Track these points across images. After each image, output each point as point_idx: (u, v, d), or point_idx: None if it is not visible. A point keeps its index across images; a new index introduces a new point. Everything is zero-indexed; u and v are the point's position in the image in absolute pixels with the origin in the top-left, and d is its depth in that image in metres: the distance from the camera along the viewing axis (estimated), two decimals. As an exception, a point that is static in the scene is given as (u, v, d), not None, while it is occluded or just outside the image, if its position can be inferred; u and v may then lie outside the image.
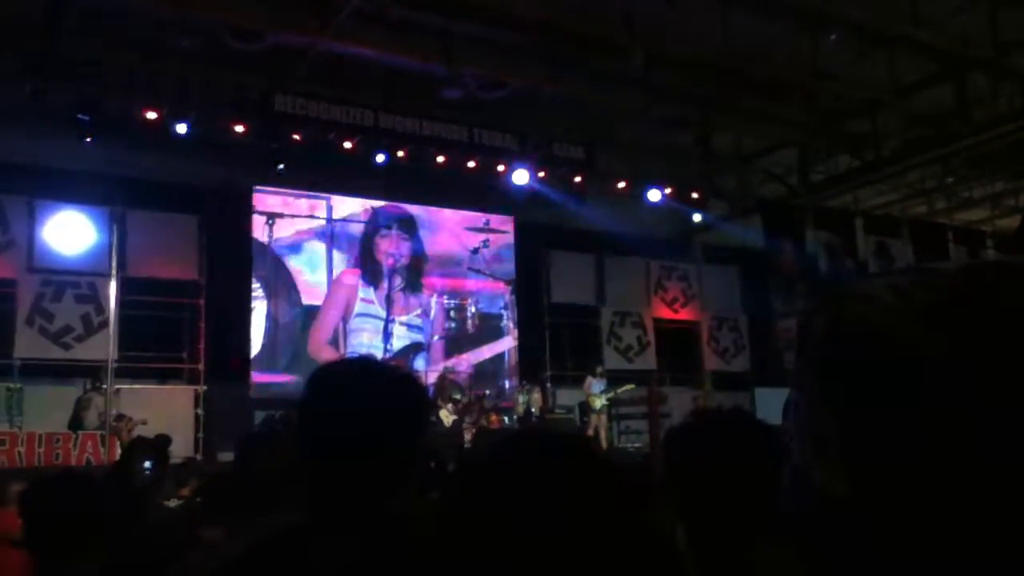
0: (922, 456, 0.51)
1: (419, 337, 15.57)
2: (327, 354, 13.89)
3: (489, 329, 16.42)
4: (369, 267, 15.31)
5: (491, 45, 11.71)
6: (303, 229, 15.02)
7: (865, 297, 0.55)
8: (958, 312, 0.52)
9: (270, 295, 14.56)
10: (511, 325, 16.58)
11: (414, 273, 15.68)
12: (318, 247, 15.09)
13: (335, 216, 15.28)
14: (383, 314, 14.80)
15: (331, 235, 15.18)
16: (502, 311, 16.61)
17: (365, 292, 15.13)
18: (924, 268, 0.57)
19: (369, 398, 1.51)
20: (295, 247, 14.88)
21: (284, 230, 14.80)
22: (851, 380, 0.54)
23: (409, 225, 15.82)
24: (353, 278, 15.15)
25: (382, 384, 1.57)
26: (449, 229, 16.41)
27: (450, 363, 15.66)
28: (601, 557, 0.93)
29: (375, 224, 15.51)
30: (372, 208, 15.54)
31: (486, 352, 16.29)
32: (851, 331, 0.54)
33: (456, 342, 16.06)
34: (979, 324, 0.51)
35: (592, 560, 0.93)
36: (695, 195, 16.26)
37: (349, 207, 15.43)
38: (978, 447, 0.49)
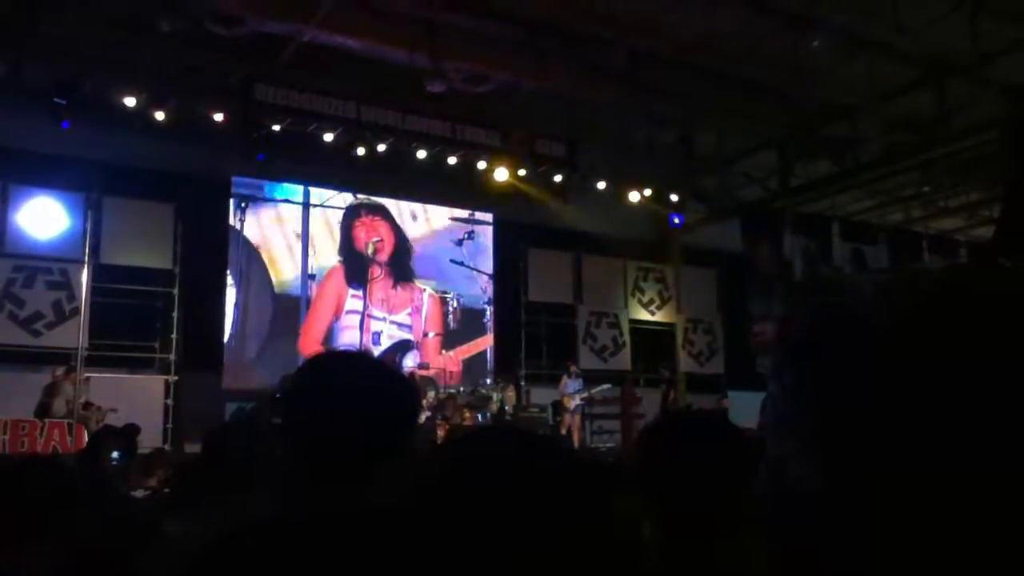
0: (900, 453, 0.50)
1: (407, 335, 15.46)
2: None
3: (472, 325, 16.34)
4: (354, 264, 15.14)
5: (476, 37, 11.69)
6: (275, 218, 14.88)
7: (849, 292, 0.55)
8: (940, 311, 0.52)
9: (242, 284, 14.43)
10: (492, 322, 16.52)
11: (399, 263, 15.53)
12: (293, 234, 14.97)
13: (312, 202, 15.18)
14: (371, 312, 14.60)
15: (307, 220, 15.05)
16: (484, 306, 16.55)
17: (355, 290, 15.01)
18: (908, 267, 0.57)
19: (358, 394, 1.48)
20: (268, 234, 14.75)
21: (257, 216, 14.67)
22: (831, 373, 0.53)
23: (384, 212, 15.68)
24: (340, 276, 15.03)
25: (372, 381, 1.54)
26: (434, 218, 16.31)
27: (441, 360, 15.57)
28: (561, 551, 0.93)
29: (351, 215, 15.38)
30: (352, 198, 15.45)
31: (474, 348, 16.20)
32: (834, 325, 0.54)
33: (445, 337, 15.96)
34: (961, 324, 0.51)
35: (552, 555, 0.92)
36: (675, 197, 16.34)
37: (326, 196, 15.32)
38: (954, 446, 0.49)
